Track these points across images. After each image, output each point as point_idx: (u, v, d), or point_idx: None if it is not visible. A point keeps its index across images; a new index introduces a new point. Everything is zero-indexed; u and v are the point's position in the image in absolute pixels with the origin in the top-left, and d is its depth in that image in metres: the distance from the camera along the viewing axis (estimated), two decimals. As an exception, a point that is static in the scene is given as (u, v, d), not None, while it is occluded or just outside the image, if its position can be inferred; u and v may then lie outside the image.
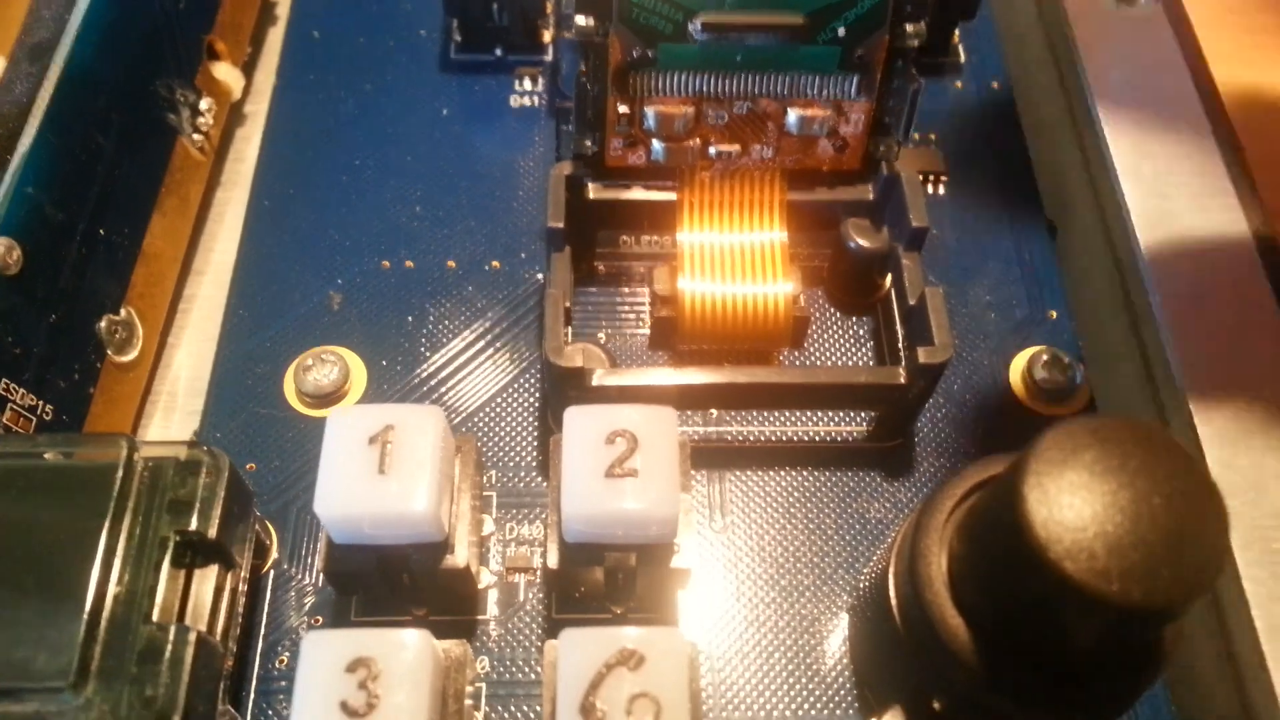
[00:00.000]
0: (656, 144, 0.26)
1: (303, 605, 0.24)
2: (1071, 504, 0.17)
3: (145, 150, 0.32)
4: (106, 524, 0.21)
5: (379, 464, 0.21)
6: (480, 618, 0.24)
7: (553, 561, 0.21)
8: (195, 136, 0.34)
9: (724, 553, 0.25)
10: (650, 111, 0.25)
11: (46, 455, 0.22)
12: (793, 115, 0.26)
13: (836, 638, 0.24)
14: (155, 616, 0.21)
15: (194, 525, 0.21)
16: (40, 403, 0.27)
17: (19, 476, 0.22)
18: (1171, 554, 0.17)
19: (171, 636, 0.20)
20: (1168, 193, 0.27)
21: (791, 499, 0.26)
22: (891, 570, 0.21)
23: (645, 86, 0.25)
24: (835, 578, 0.25)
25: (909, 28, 0.25)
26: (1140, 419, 0.18)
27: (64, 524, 0.21)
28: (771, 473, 0.26)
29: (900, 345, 0.26)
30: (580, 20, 0.24)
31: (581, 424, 0.21)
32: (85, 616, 0.20)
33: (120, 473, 0.22)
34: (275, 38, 0.39)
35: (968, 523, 0.20)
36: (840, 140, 0.27)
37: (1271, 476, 0.23)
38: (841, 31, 0.24)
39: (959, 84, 0.33)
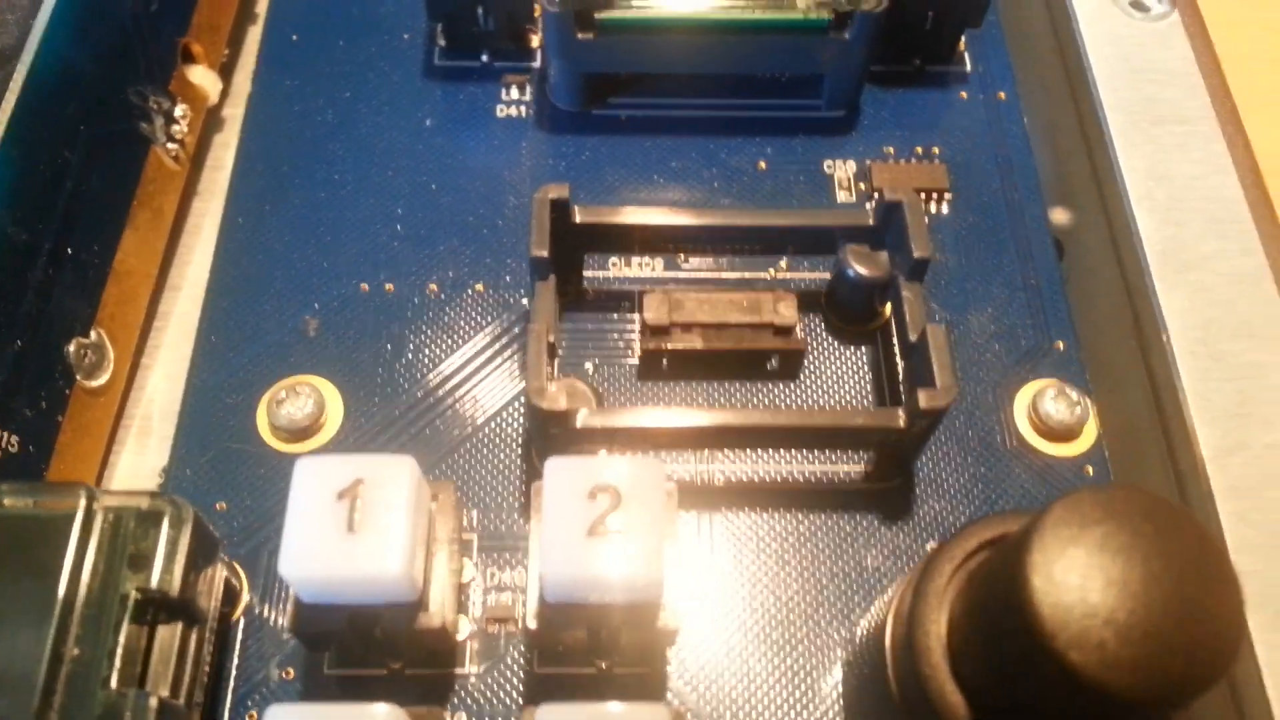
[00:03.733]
0: None
1: (274, 655, 0.23)
2: (1080, 587, 0.16)
3: (116, 162, 0.31)
4: (64, 580, 0.20)
5: (348, 521, 0.20)
6: (459, 671, 0.23)
7: (533, 622, 0.20)
8: (170, 145, 0.33)
9: (714, 602, 0.24)
10: None
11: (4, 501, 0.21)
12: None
13: (829, 696, 0.23)
14: (114, 682, 0.19)
15: (155, 582, 0.20)
16: (4, 434, 0.26)
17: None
18: (1185, 642, 0.16)
19: (131, 703, 0.19)
20: (1182, 219, 0.26)
21: (785, 544, 0.25)
22: (889, 633, 0.20)
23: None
24: (829, 630, 0.24)
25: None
26: (1151, 488, 0.17)
27: (17, 579, 0.20)
28: (764, 514, 0.25)
29: (900, 383, 0.25)
30: None
31: (562, 478, 0.20)
32: (40, 683, 0.19)
33: (78, 525, 0.20)
34: (254, 37, 0.37)
35: (968, 592, 0.19)
36: None
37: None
38: None
39: (964, 94, 0.32)
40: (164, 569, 0.21)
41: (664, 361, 0.27)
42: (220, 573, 0.23)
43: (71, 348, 0.28)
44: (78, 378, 0.29)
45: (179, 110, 0.33)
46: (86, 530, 0.20)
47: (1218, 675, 0.16)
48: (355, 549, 0.19)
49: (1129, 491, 0.17)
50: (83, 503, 0.21)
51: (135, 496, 0.21)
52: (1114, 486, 0.17)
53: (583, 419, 0.23)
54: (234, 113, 0.36)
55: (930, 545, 0.25)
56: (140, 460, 0.30)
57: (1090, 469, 0.26)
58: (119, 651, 0.20)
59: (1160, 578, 0.16)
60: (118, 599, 0.20)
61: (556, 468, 0.20)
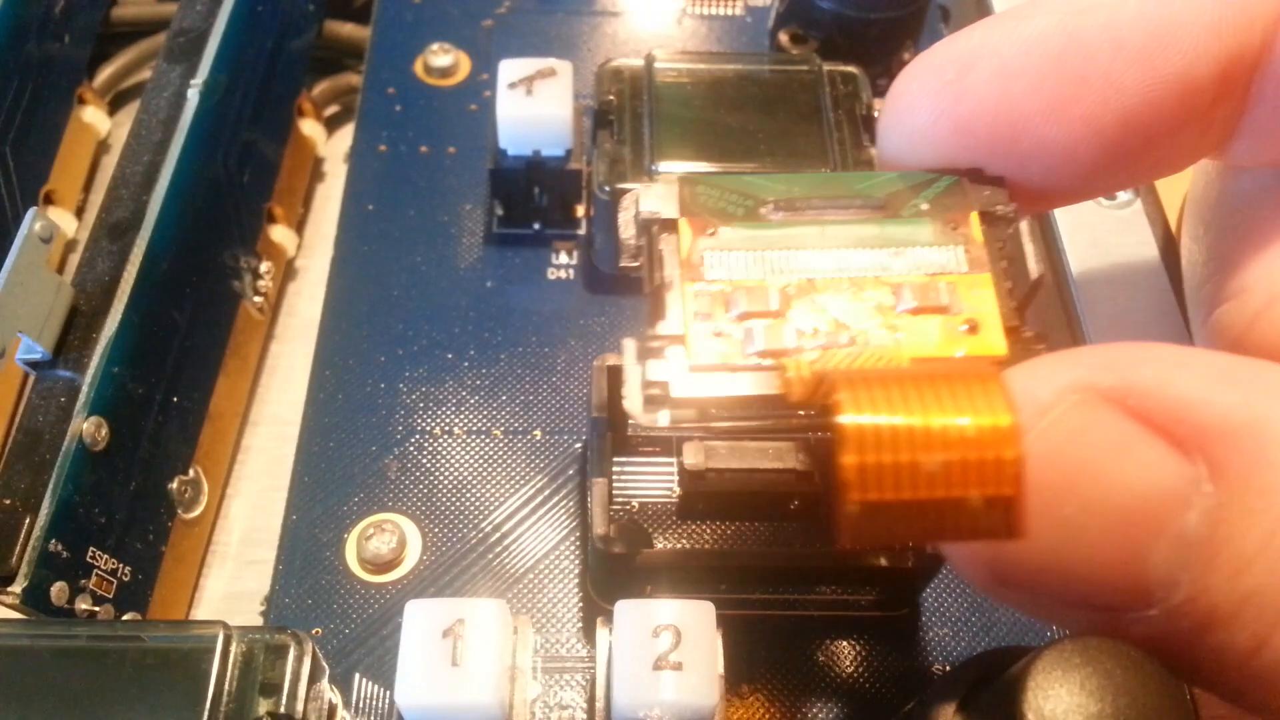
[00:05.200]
0: (753, 324, 0.22)
1: (368, 767, 0.27)
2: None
3: (213, 318, 0.35)
4: (207, 707, 0.23)
5: (452, 657, 0.23)
6: (532, 782, 0.26)
7: (602, 742, 0.24)
8: (255, 299, 0.37)
9: None
10: (738, 292, 0.22)
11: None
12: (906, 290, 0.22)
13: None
14: (251, 795, 0.23)
15: (284, 706, 0.24)
16: (120, 565, 0.30)
17: (121, 658, 0.24)
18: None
19: (266, 814, 0.23)
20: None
21: (804, 668, 0.28)
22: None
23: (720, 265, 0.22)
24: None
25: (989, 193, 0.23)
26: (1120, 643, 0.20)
27: (164, 708, 0.24)
28: (782, 642, 0.29)
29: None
30: (646, 208, 0.23)
31: (631, 619, 0.24)
32: (190, 798, 0.22)
33: (217, 657, 0.24)
34: (323, 194, 0.42)
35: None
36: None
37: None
38: (925, 206, 0.23)
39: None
40: (290, 693, 0.24)
41: (700, 502, 0.31)
42: (326, 693, 0.26)
43: (174, 485, 0.32)
44: (179, 511, 0.32)
45: (264, 267, 0.37)
46: (225, 661, 0.24)
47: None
48: (459, 681, 0.23)
49: (1102, 641, 0.20)
50: (221, 637, 0.24)
51: (264, 631, 0.25)
52: (1091, 637, 0.20)
53: (641, 559, 0.27)
54: (306, 263, 0.40)
55: (937, 669, 0.29)
56: (225, 584, 0.34)
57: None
58: (254, 767, 0.23)
59: (1127, 713, 0.20)
60: (252, 721, 0.24)
61: (626, 609, 0.24)
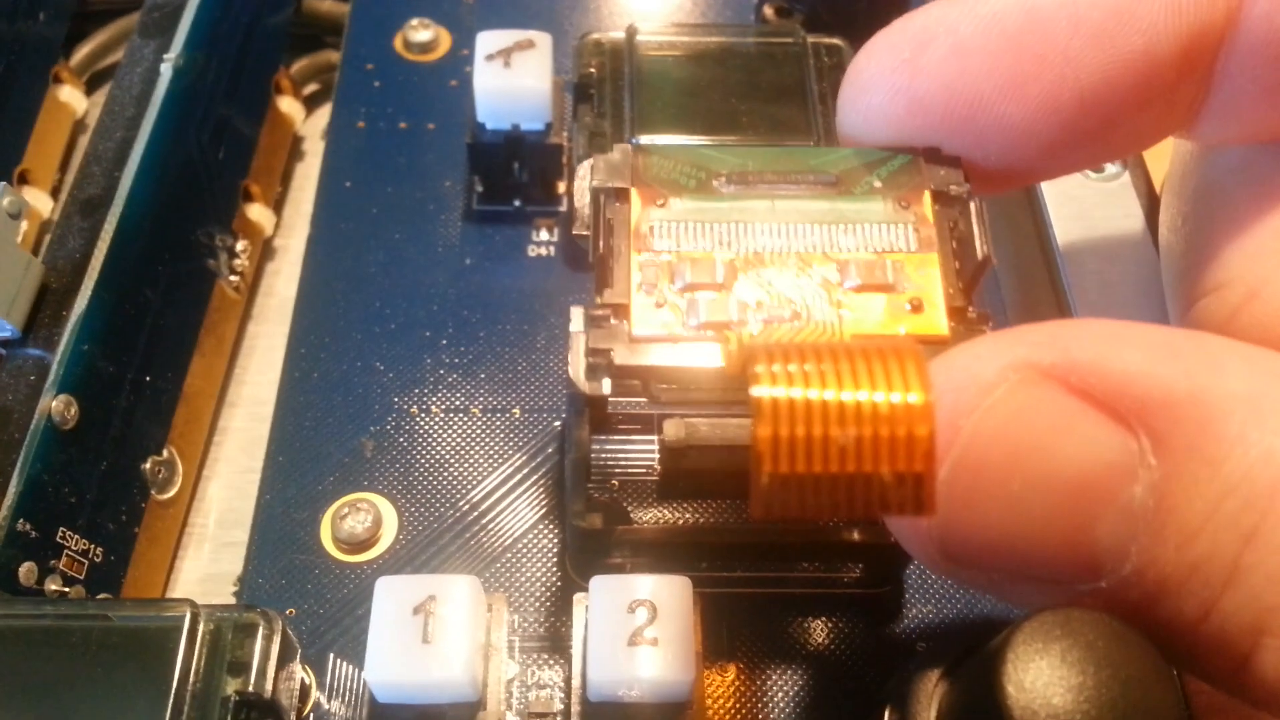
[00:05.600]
0: (698, 296, 0.22)
1: (342, 747, 0.26)
2: (1044, 693, 0.19)
3: (187, 296, 0.34)
4: (174, 686, 0.23)
5: (423, 633, 0.23)
6: (507, 762, 0.26)
7: (575, 719, 0.24)
8: (232, 278, 0.36)
9: (726, 699, 0.27)
10: (684, 264, 0.22)
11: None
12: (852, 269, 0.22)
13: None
14: (217, 775, 0.23)
15: (252, 685, 0.23)
16: (92, 546, 0.29)
17: (87, 638, 0.24)
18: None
19: (232, 794, 0.22)
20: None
21: (788, 645, 0.28)
22: (884, 731, 0.24)
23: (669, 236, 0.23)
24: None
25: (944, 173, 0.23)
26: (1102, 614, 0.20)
27: (131, 687, 0.23)
28: (764, 620, 0.28)
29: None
30: (599, 177, 0.23)
31: (606, 594, 0.24)
32: (155, 779, 0.22)
33: (184, 636, 0.24)
34: (302, 172, 0.42)
35: (952, 695, 0.22)
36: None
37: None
38: (878, 183, 0.23)
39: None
40: (259, 673, 0.24)
41: (681, 480, 0.30)
42: (298, 673, 0.26)
43: (147, 466, 0.32)
44: (152, 492, 0.32)
45: (240, 245, 0.37)
46: (192, 640, 0.24)
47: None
48: (430, 657, 0.23)
49: (1084, 612, 0.20)
50: (188, 616, 0.24)
51: (231, 610, 0.24)
52: (1072, 609, 0.20)
53: (617, 535, 0.26)
54: (284, 243, 0.40)
55: (920, 646, 0.28)
56: (201, 566, 0.33)
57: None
58: (221, 749, 0.23)
59: (1109, 684, 0.19)
60: (219, 701, 0.23)
61: (601, 585, 0.24)
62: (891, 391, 0.18)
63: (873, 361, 0.18)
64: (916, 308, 0.21)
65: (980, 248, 0.22)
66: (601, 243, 0.22)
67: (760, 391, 0.18)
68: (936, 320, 0.21)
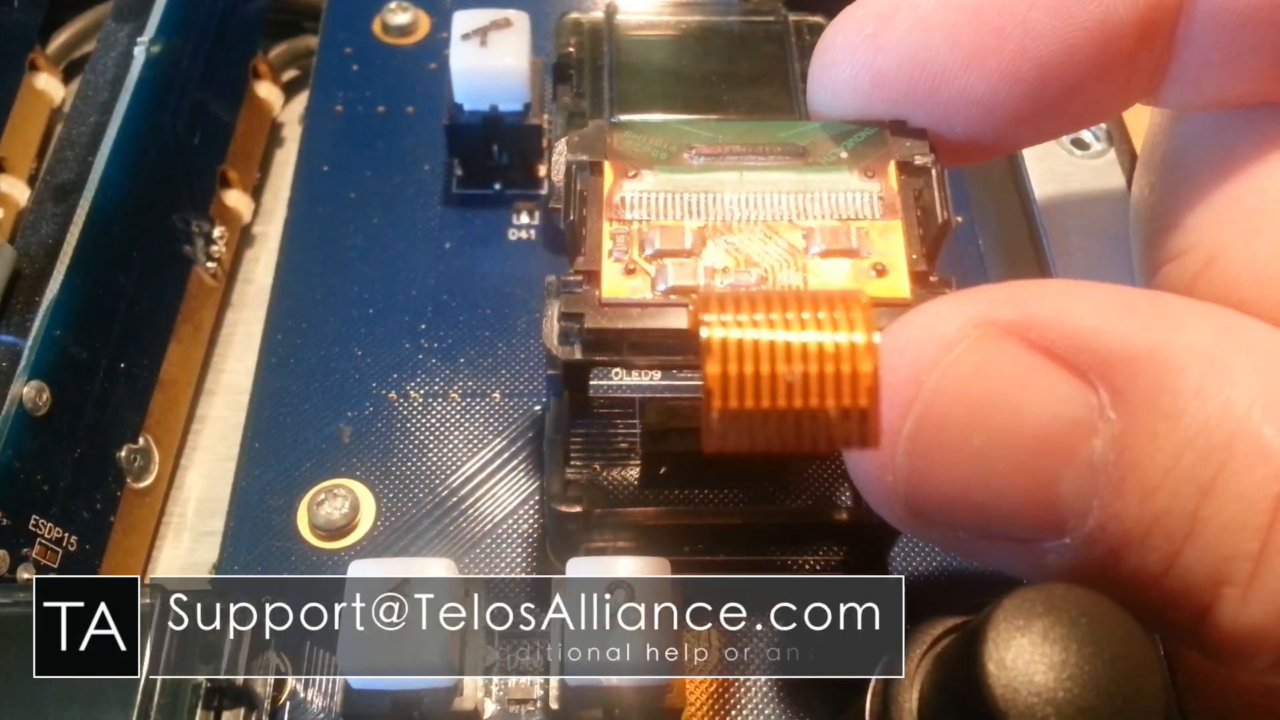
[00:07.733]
0: (666, 262, 0.22)
1: (319, 735, 0.26)
2: (1026, 671, 0.19)
3: (163, 282, 0.34)
4: (143, 674, 0.23)
5: (398, 617, 0.23)
6: (486, 748, 0.26)
7: (555, 704, 0.23)
8: (209, 264, 0.36)
9: (711, 682, 0.27)
10: (653, 231, 0.22)
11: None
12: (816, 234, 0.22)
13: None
14: (188, 762, 0.22)
15: (224, 673, 0.23)
16: (65, 534, 0.29)
17: (57, 624, 0.23)
18: (1114, 716, 0.19)
19: (203, 781, 0.22)
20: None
21: (770, 632, 0.28)
22: (868, 709, 0.23)
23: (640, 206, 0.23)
24: (816, 706, 0.26)
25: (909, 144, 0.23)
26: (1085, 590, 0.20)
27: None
28: (748, 604, 0.28)
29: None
30: (573, 152, 0.24)
31: (584, 576, 0.23)
32: (124, 766, 0.22)
33: (154, 621, 0.23)
34: (280, 159, 0.41)
35: (935, 673, 0.22)
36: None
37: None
38: (844, 154, 0.24)
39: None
40: (230, 660, 0.23)
41: (663, 464, 0.30)
42: (272, 661, 0.26)
43: (122, 453, 0.31)
44: (128, 480, 0.31)
45: (217, 232, 0.36)
46: (162, 626, 0.23)
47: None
48: (404, 642, 0.22)
49: (1067, 589, 0.20)
50: (159, 602, 0.23)
51: (204, 596, 0.24)
52: (1055, 585, 0.20)
53: (596, 519, 0.26)
54: (263, 230, 0.39)
55: (905, 628, 0.28)
56: (179, 556, 0.33)
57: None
58: (192, 735, 0.23)
59: (1092, 661, 0.19)
60: (190, 688, 0.23)
61: (578, 567, 0.23)
62: (837, 331, 0.18)
63: (820, 305, 0.19)
64: (880, 272, 0.22)
65: (940, 212, 0.23)
66: (574, 213, 0.23)
67: (708, 332, 0.19)
68: (900, 284, 0.22)
